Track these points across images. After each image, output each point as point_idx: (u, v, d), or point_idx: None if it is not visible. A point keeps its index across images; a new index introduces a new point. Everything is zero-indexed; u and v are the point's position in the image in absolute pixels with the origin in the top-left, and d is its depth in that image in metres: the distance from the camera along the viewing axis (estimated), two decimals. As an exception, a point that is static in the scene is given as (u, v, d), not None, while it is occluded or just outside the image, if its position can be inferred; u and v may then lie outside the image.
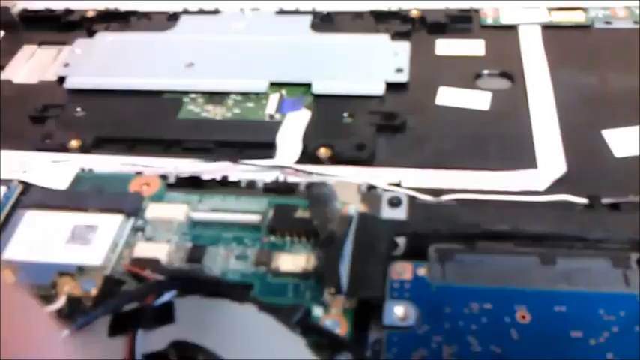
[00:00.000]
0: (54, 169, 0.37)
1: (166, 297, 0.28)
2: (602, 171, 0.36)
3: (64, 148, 0.39)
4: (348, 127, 0.40)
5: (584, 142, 0.37)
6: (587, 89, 0.41)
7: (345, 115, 0.40)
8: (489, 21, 0.46)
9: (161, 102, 0.43)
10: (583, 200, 0.33)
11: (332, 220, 0.31)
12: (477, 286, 0.28)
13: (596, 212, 0.33)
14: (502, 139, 0.38)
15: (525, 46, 0.44)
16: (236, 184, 0.36)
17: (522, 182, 0.35)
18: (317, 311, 0.29)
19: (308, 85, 0.42)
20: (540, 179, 0.35)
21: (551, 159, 0.36)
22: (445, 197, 0.34)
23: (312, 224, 0.32)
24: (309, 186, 0.35)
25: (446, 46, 0.45)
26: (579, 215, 0.32)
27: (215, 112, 0.41)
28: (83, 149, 0.39)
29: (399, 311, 0.28)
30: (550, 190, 0.34)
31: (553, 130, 0.38)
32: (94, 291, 0.30)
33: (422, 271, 0.29)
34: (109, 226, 0.33)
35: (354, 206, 0.33)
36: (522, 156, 0.37)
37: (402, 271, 0.29)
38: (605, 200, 0.33)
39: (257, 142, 0.39)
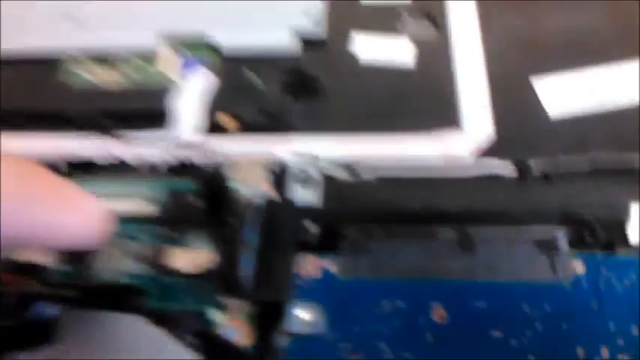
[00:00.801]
0: None
1: (46, 312, 0.25)
2: (533, 131, 0.33)
3: None
4: (257, 91, 0.35)
5: (515, 97, 0.34)
6: (518, 31, 0.37)
7: (253, 76, 0.36)
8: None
9: (39, 67, 0.37)
10: (512, 171, 0.31)
11: (231, 211, 0.28)
12: (389, 280, 0.25)
13: (525, 185, 0.30)
14: (425, 98, 0.34)
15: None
16: (128, 165, 0.32)
17: (446, 146, 0.32)
18: (215, 317, 0.26)
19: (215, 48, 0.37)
20: (465, 142, 0.32)
21: (477, 119, 0.33)
22: (365, 174, 0.31)
23: (210, 214, 0.28)
24: (204, 169, 0.31)
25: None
26: (506, 188, 0.30)
27: (106, 77, 0.36)
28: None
29: (304, 316, 0.25)
30: (476, 156, 0.31)
31: (480, 84, 0.34)
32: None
33: (331, 267, 0.26)
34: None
35: (259, 188, 0.30)
36: (446, 115, 0.33)
37: (310, 266, 0.26)
38: (536, 168, 0.31)
39: (149, 110, 0.34)
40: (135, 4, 0.39)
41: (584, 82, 0.34)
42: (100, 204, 0.25)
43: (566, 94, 0.34)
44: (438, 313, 0.24)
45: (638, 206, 0.28)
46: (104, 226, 0.24)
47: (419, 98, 0.34)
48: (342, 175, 0.31)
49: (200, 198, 0.29)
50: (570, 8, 0.38)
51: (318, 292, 0.25)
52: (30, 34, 0.38)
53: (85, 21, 0.38)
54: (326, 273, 0.26)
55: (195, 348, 0.24)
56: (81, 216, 0.23)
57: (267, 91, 0.35)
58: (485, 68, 0.35)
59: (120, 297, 0.26)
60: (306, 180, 0.30)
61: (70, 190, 0.23)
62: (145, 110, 0.34)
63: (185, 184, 0.30)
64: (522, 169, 0.30)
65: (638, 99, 0.33)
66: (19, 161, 0.21)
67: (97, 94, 0.35)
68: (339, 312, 0.25)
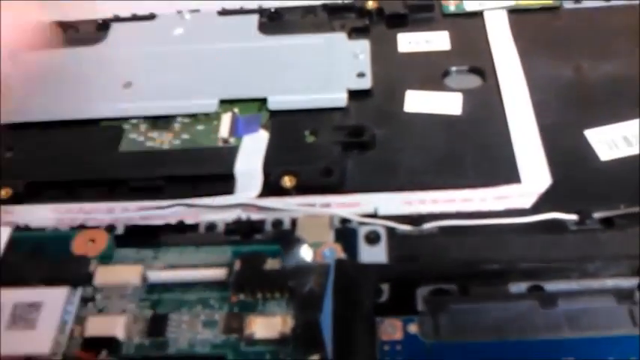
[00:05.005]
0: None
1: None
2: (589, 178, 0.33)
3: (-8, 199, 0.35)
4: (312, 147, 0.36)
5: (567, 146, 0.34)
6: (563, 81, 0.38)
7: (307, 133, 0.36)
8: (452, 9, 0.43)
9: (98, 132, 0.38)
10: (573, 217, 0.31)
11: (307, 273, 0.28)
12: (474, 342, 0.25)
13: (590, 233, 0.30)
14: (479, 149, 0.35)
15: (493, 35, 0.41)
16: (194, 227, 0.33)
17: (507, 200, 0.32)
18: (301, 383, 0.26)
19: (263, 100, 0.38)
20: (525, 195, 0.32)
21: (534, 170, 0.33)
22: (427, 225, 0.31)
23: (286, 278, 0.28)
24: (280, 222, 0.31)
25: (408, 41, 0.41)
26: (572, 239, 0.30)
27: (161, 140, 0.37)
28: (14, 199, 0.34)
29: (392, 381, 0.25)
30: (537, 206, 0.32)
31: (533, 135, 0.35)
32: (43, 387, 0.26)
33: (413, 329, 0.26)
34: (54, 301, 0.29)
35: (328, 248, 0.30)
36: (503, 168, 0.34)
37: (392, 330, 0.26)
38: (597, 215, 0.31)
39: (213, 175, 0.35)
40: (194, 70, 0.40)
41: (633, 131, 0.34)
42: None
43: (618, 143, 0.34)
44: (528, 372, 0.24)
45: None
46: None
47: (473, 149, 0.35)
48: (405, 229, 0.31)
49: (275, 261, 0.29)
50: (613, 56, 0.38)
51: (402, 354, 0.25)
52: (92, 102, 0.39)
53: (145, 90, 0.39)
54: (408, 335, 0.26)
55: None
56: None
57: (321, 146, 0.36)
58: (535, 119, 0.36)
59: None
60: (371, 238, 0.30)
61: None
62: (207, 174, 0.35)
63: (255, 247, 0.30)
64: (583, 216, 0.31)
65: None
66: None
67: (158, 158, 0.36)
68: (426, 374, 0.25)
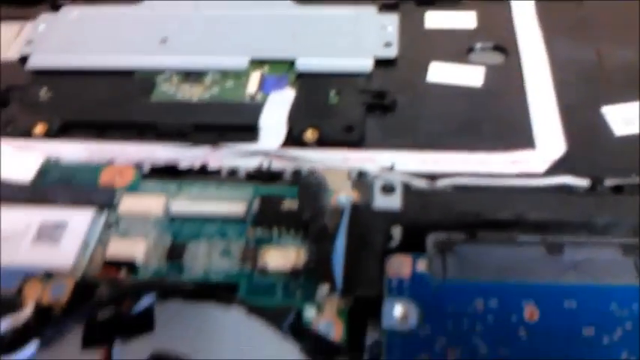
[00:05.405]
0: (17, 159, 0.34)
1: (145, 302, 0.26)
2: (603, 150, 0.34)
3: (27, 134, 0.36)
4: (335, 107, 0.37)
5: (583, 120, 0.35)
6: (584, 64, 0.39)
7: (332, 93, 0.38)
8: (481, -9, 0.44)
9: (132, 82, 0.39)
10: (585, 183, 0.32)
11: (323, 212, 0.29)
12: (481, 282, 0.26)
13: (599, 195, 0.31)
14: (497, 118, 0.36)
15: (519, 19, 0.42)
16: (217, 172, 0.34)
17: (521, 164, 0.33)
18: (309, 313, 0.27)
19: (291, 63, 0.39)
20: (539, 160, 0.33)
21: (549, 138, 0.34)
22: (441, 182, 0.32)
23: (302, 216, 0.29)
24: (298, 174, 0.32)
25: (436, 19, 0.42)
26: (582, 199, 0.31)
27: (191, 93, 0.39)
28: (49, 135, 0.36)
29: (398, 311, 0.26)
30: (550, 172, 0.33)
31: (551, 108, 0.36)
32: (64, 297, 0.27)
33: (421, 266, 0.27)
34: (79, 222, 0.30)
35: (345, 195, 0.31)
36: (519, 135, 0.35)
37: (400, 266, 0.27)
38: (608, 182, 0.32)
39: (238, 125, 0.36)
40: (227, 31, 0.41)
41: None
42: None
43: (633, 119, 0.35)
44: (530, 312, 0.25)
45: None
46: None
47: (491, 118, 0.36)
48: (420, 184, 0.32)
49: (292, 201, 0.30)
50: (631, 42, 0.39)
51: (409, 290, 0.26)
52: (128, 54, 0.41)
53: (179, 45, 0.41)
54: (416, 272, 0.27)
55: (291, 341, 0.25)
56: None
57: (344, 107, 0.37)
58: (555, 94, 0.37)
59: (213, 292, 0.27)
60: (386, 188, 0.31)
61: None
62: (232, 124, 0.36)
63: (275, 189, 0.32)
64: (595, 182, 0.31)
65: None
66: None
67: (187, 108, 0.37)
68: (431, 310, 0.25)
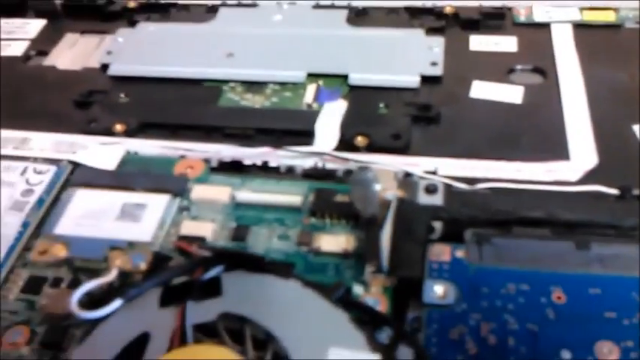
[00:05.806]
0: (102, 151, 0.38)
1: (213, 272, 0.29)
2: (633, 163, 0.36)
3: (109, 132, 0.41)
4: (384, 118, 0.41)
5: (615, 136, 0.38)
6: (618, 85, 0.42)
7: (381, 105, 0.41)
8: (522, 19, 0.47)
9: (201, 90, 0.44)
10: (614, 191, 0.34)
11: (373, 203, 0.32)
12: (513, 269, 0.29)
13: (627, 202, 0.34)
14: (535, 132, 0.39)
15: (557, 44, 0.45)
16: (276, 170, 0.38)
17: (555, 173, 0.36)
18: (357, 289, 0.30)
19: (344, 77, 0.43)
20: (573, 170, 0.36)
21: (583, 151, 0.37)
22: (480, 185, 0.35)
23: (352, 207, 0.33)
24: (350, 171, 0.36)
25: (479, 42, 0.46)
26: (611, 205, 0.33)
27: (254, 101, 0.43)
28: (128, 133, 0.41)
29: (438, 290, 0.29)
30: (582, 181, 0.35)
31: (584, 123, 0.39)
32: (143, 265, 0.31)
33: (460, 253, 0.30)
34: (156, 205, 0.34)
35: (391, 192, 0.34)
36: (555, 148, 0.38)
37: (440, 253, 0.30)
38: (636, 191, 0.34)
39: (296, 130, 0.40)
40: (287, 48, 0.46)
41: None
42: None
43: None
44: (557, 295, 0.28)
45: None
46: None
47: (529, 132, 0.39)
48: (460, 186, 0.35)
49: (344, 195, 0.33)
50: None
51: (449, 272, 0.29)
52: (198, 65, 0.45)
53: (244, 59, 0.45)
54: (455, 258, 0.30)
55: (341, 311, 0.28)
56: None
57: (392, 117, 0.40)
58: (589, 112, 0.40)
59: (274, 265, 0.30)
60: (429, 189, 0.35)
61: None
62: (291, 129, 0.40)
63: (328, 185, 0.35)
64: (623, 191, 0.34)
65: None
66: None
67: (250, 113, 0.41)
68: (468, 290, 0.28)
